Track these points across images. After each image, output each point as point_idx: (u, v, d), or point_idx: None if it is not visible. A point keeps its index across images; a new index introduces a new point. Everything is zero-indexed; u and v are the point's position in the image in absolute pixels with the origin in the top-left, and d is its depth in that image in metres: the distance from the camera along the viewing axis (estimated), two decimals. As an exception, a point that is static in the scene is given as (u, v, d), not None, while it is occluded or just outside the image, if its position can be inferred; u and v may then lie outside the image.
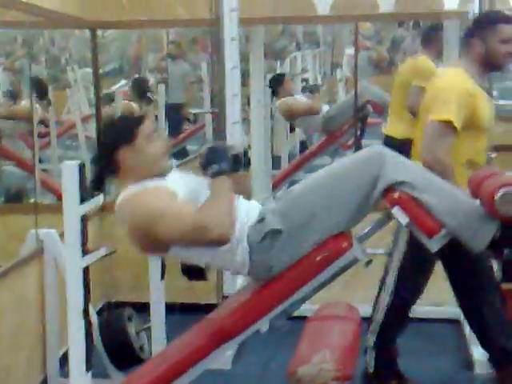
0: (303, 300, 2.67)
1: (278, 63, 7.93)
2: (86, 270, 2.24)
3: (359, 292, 4.43)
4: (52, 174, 5.55)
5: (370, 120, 5.91)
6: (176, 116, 6.60)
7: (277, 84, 6.22)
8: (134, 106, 6.18)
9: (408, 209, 2.46)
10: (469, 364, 3.78)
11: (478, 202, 2.53)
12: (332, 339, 3.04)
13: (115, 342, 3.19)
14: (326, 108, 6.17)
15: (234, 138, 3.98)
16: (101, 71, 4.90)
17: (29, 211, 3.55)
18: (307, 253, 2.49)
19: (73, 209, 2.16)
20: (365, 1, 4.44)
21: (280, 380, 2.81)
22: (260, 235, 2.48)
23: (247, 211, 2.53)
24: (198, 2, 4.26)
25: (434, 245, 2.54)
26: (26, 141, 5.33)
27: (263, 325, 2.57)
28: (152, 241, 2.39)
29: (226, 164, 2.43)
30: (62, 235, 3.44)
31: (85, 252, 2.22)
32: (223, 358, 3.76)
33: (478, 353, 3.73)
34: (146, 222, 2.33)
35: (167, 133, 6.11)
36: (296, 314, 3.22)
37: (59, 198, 4.88)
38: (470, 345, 3.84)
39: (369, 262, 2.60)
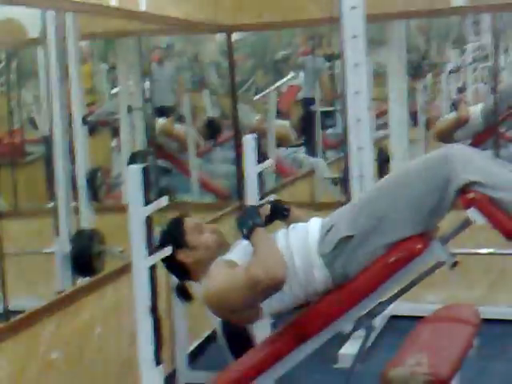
0: (388, 302, 2.65)
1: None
2: (152, 269, 2.36)
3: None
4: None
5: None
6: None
7: None
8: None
9: (484, 209, 2.35)
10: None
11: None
12: (436, 342, 2.98)
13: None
14: (477, 109, 5.89)
15: (359, 137, 3.97)
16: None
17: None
18: (380, 255, 2.45)
19: (137, 210, 2.29)
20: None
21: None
22: (331, 244, 2.48)
23: (305, 231, 2.55)
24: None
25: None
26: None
27: (345, 326, 2.57)
28: (239, 313, 2.48)
29: (256, 219, 2.52)
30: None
31: (151, 251, 2.34)
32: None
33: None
34: (220, 304, 2.45)
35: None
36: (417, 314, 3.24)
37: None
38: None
39: (454, 264, 2.51)
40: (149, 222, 2.33)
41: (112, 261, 3.57)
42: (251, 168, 3.09)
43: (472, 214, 2.37)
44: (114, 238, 3.84)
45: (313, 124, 6.06)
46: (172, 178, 5.75)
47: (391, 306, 4.14)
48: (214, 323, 3.60)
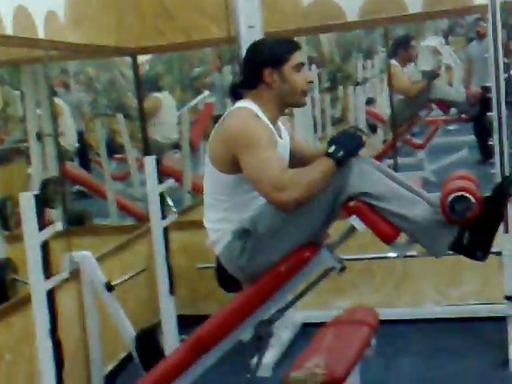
0: (285, 308, 2.78)
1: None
2: (51, 292, 2.43)
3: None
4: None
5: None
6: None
7: (400, 46, 6.01)
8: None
9: (364, 216, 2.50)
10: (505, 362, 3.73)
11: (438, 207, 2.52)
12: (335, 344, 3.11)
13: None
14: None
15: None
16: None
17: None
18: (275, 262, 2.57)
19: (32, 236, 2.36)
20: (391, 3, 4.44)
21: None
22: (239, 230, 2.60)
23: None
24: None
25: (397, 251, 2.58)
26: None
27: (242, 334, 2.67)
28: (228, 162, 2.52)
29: (344, 153, 2.48)
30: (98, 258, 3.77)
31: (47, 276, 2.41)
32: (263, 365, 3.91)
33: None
34: (240, 142, 2.47)
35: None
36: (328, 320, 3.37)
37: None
38: (510, 343, 3.79)
39: (342, 269, 2.65)
40: (44, 247, 2.39)
41: (25, 289, 3.60)
42: (153, 188, 3.18)
43: (353, 221, 2.51)
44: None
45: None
46: (92, 202, 5.81)
47: (302, 314, 4.42)
48: (129, 344, 3.68)
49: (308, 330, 4.31)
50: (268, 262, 2.57)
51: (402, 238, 2.59)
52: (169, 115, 6.27)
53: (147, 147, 4.80)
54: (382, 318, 4.40)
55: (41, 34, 3.69)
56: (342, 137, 2.53)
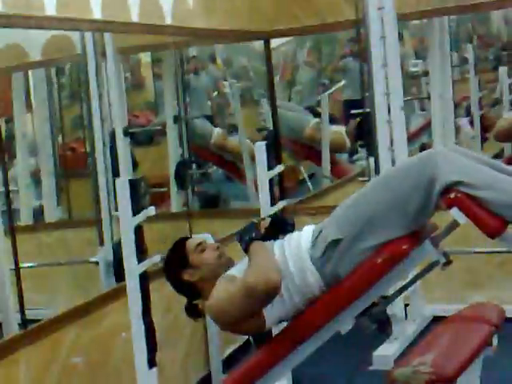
0: (388, 302, 2.68)
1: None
2: (143, 276, 2.47)
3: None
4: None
5: None
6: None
7: None
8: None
9: (466, 208, 2.34)
10: None
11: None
12: (449, 342, 2.97)
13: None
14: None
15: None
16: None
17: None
18: (369, 256, 2.48)
19: (127, 220, 2.41)
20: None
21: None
22: (321, 249, 2.53)
23: (298, 239, 2.62)
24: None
25: (509, 244, 2.41)
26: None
27: (342, 326, 2.61)
28: (241, 324, 2.56)
29: (253, 233, 2.62)
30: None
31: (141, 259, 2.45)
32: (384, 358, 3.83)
33: None
34: (221, 315, 2.55)
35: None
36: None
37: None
38: None
39: (446, 263, 2.52)
40: (138, 230, 2.44)
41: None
42: (263, 174, 3.16)
43: (454, 213, 2.37)
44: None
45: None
46: (233, 186, 5.91)
47: (433, 307, 4.26)
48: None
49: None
50: (364, 258, 2.49)
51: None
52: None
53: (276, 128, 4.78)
54: None
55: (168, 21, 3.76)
56: (241, 233, 2.66)
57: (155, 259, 2.48)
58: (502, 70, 5.64)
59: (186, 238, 2.77)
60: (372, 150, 4.13)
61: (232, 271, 2.64)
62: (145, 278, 2.46)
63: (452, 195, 2.36)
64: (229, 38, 4.57)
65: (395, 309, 3.96)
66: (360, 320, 2.61)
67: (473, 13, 5.27)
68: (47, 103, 5.11)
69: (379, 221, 2.45)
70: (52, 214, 4.98)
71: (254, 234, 2.62)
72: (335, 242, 2.51)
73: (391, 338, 4.02)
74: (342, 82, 6.39)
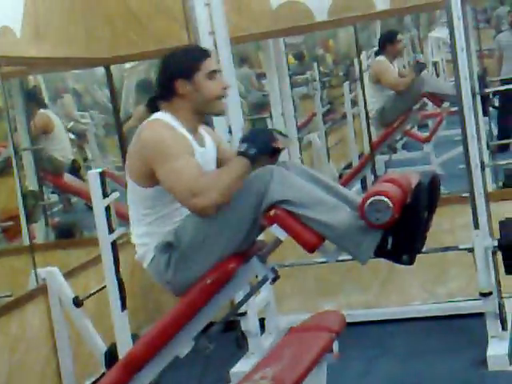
0: (224, 320, 2.71)
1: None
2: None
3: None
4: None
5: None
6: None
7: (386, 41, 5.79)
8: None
9: (285, 225, 2.41)
10: (483, 361, 3.62)
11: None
12: (290, 352, 3.03)
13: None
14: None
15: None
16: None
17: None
18: (202, 275, 2.50)
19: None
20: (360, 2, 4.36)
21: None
22: (162, 244, 2.55)
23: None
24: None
25: (327, 257, 2.50)
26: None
27: (178, 350, 2.62)
28: (143, 171, 2.49)
29: (255, 150, 2.44)
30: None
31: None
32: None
33: (493, 349, 3.60)
34: (154, 154, 2.44)
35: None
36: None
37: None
38: (488, 340, 3.68)
39: (275, 279, 2.59)
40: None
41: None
42: (98, 202, 3.14)
43: (275, 230, 2.44)
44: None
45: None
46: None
47: (287, 318, 4.34)
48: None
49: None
50: (195, 275, 2.51)
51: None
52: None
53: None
54: (370, 318, 4.41)
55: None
56: (253, 134, 2.50)
57: (122, 230, 2.48)
58: (346, 85, 5.85)
59: (208, 55, 2.60)
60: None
61: (203, 147, 2.59)
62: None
63: (272, 212, 2.42)
64: (66, 65, 4.52)
65: (249, 324, 4.00)
66: (198, 341, 2.63)
67: (304, 33, 5.40)
68: None
69: (212, 240, 2.48)
70: None
71: (253, 151, 2.43)
72: (170, 245, 2.52)
73: (248, 353, 4.07)
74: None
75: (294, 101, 5.21)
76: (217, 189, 2.40)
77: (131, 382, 2.57)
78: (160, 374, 2.67)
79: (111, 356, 3.56)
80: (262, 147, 2.45)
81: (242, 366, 3.97)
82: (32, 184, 4.72)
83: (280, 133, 2.55)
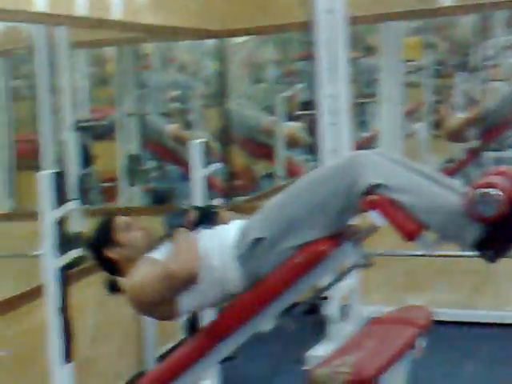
0: (308, 302, 2.69)
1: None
2: (63, 269, 2.48)
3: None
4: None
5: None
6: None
7: None
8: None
9: (384, 211, 2.36)
10: None
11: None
12: (373, 343, 3.00)
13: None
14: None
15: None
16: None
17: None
18: (290, 256, 2.49)
19: (48, 214, 2.42)
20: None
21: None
22: (245, 246, 2.54)
23: (226, 233, 2.63)
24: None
25: (426, 248, 2.44)
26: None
27: (261, 325, 2.62)
28: (156, 308, 2.59)
29: (180, 220, 2.66)
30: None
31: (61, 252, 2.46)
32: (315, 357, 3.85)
33: None
34: (137, 297, 2.57)
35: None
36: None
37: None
38: None
39: (367, 265, 2.55)
40: (60, 224, 2.44)
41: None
42: (197, 172, 3.18)
43: (373, 215, 2.40)
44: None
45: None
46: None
47: (370, 308, 4.30)
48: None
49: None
50: (286, 258, 2.50)
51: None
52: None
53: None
54: (458, 319, 4.31)
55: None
56: (172, 215, 2.71)
57: (74, 253, 2.48)
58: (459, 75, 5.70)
59: (115, 216, 2.77)
60: (316, 151, 4.16)
61: (155, 254, 2.66)
62: (64, 272, 2.46)
63: (371, 197, 2.38)
64: (182, 35, 4.58)
65: (331, 309, 3.99)
66: (281, 319, 2.63)
67: (426, 18, 5.26)
68: (4, 93, 5.10)
69: (301, 222, 2.47)
70: (3, 205, 4.97)
71: (181, 221, 2.65)
72: (258, 241, 2.52)
73: (326, 338, 4.05)
74: (300, 86, 6.40)
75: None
76: (179, 257, 2.55)
77: (212, 351, 2.59)
78: (239, 348, 2.69)
79: (192, 324, 3.63)
80: (176, 220, 2.69)
81: (319, 350, 3.96)
82: (134, 149, 4.81)
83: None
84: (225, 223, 2.75)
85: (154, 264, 2.58)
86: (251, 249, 2.54)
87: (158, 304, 2.56)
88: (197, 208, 2.80)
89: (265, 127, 6.07)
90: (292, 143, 6.07)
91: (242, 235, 2.59)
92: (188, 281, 2.50)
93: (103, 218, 2.77)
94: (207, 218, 2.76)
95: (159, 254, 2.66)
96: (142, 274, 2.55)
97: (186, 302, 2.58)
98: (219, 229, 2.69)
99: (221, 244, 2.60)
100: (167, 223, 2.67)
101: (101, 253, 2.70)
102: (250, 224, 2.61)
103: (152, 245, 2.72)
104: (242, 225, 2.64)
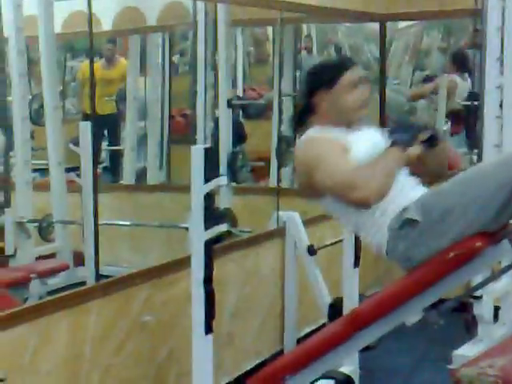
0: (458, 299, 2.58)
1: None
2: (209, 243, 2.48)
3: None
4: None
5: None
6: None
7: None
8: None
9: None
10: None
11: None
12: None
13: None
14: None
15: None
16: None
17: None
18: (444, 248, 2.39)
19: (198, 188, 2.43)
20: None
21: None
22: (398, 223, 2.45)
23: (412, 189, 2.51)
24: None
25: None
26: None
27: (406, 317, 2.54)
28: (310, 184, 2.51)
29: (406, 138, 2.46)
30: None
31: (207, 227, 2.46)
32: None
33: None
34: (310, 165, 2.48)
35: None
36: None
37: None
38: None
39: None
40: (208, 198, 2.46)
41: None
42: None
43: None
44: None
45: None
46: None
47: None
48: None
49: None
50: (436, 250, 2.39)
51: None
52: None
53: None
54: None
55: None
56: (401, 126, 2.55)
57: (222, 227, 2.48)
58: None
59: (350, 66, 2.61)
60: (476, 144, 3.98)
61: (355, 143, 2.51)
62: (210, 245, 2.47)
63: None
64: (344, 18, 4.52)
65: (483, 310, 3.82)
66: (428, 314, 2.54)
67: None
68: (160, 69, 5.25)
69: (459, 213, 2.35)
70: (154, 176, 5.13)
71: (404, 139, 2.46)
72: (412, 222, 2.42)
73: (476, 338, 3.89)
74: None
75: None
76: (374, 180, 2.36)
77: (353, 338, 2.53)
78: (380, 339, 2.61)
79: (335, 309, 3.58)
80: (408, 138, 2.45)
81: (467, 350, 3.79)
82: (286, 130, 4.81)
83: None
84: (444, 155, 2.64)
85: (344, 156, 2.45)
86: (402, 227, 2.44)
87: (318, 190, 2.49)
88: (427, 130, 2.58)
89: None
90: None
91: (404, 208, 2.46)
92: (361, 203, 2.39)
93: (334, 60, 2.68)
94: (432, 142, 2.57)
95: (358, 148, 2.51)
96: (328, 154, 2.43)
97: (333, 206, 2.52)
98: (410, 179, 2.56)
99: (398, 197, 2.47)
100: (392, 132, 2.50)
101: (312, 87, 2.59)
102: (415, 201, 2.46)
103: (360, 117, 2.60)
104: (416, 198, 2.49)
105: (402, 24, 5.33)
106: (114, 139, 5.71)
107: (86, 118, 4.69)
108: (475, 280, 3.05)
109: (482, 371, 2.60)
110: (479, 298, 3.72)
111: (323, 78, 2.60)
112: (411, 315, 2.52)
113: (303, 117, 2.68)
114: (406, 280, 2.49)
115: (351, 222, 2.57)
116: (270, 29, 5.50)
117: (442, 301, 2.50)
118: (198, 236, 2.45)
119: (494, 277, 2.58)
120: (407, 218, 2.42)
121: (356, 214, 2.49)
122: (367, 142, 2.55)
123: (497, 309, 3.99)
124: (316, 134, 2.56)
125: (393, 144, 2.46)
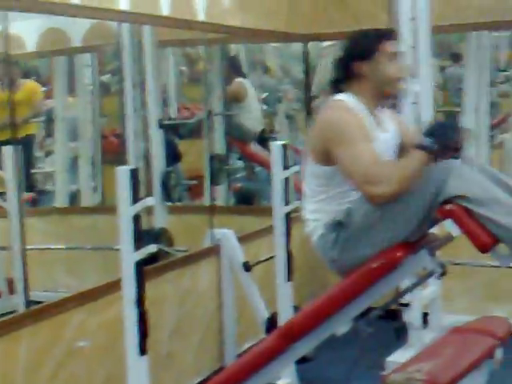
0: (384, 307, 2.68)
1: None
2: (139, 264, 2.52)
3: None
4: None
5: None
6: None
7: None
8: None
9: (460, 221, 2.34)
10: None
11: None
12: (450, 351, 2.96)
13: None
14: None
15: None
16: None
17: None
18: (367, 258, 2.49)
19: (125, 209, 2.46)
20: None
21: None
22: (335, 222, 2.55)
23: None
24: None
25: (500, 261, 2.39)
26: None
27: (335, 328, 2.62)
28: (323, 150, 2.52)
29: (439, 146, 2.37)
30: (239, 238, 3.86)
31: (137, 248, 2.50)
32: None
33: None
34: (333, 136, 2.48)
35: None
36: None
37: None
38: None
39: (442, 274, 2.52)
40: (136, 219, 2.48)
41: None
42: (278, 174, 3.18)
43: (448, 224, 2.37)
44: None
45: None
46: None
47: (452, 317, 4.21)
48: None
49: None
50: (360, 257, 2.50)
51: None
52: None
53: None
54: None
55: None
56: (438, 129, 2.40)
57: (151, 248, 2.52)
58: None
59: (390, 37, 2.61)
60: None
61: (382, 132, 2.55)
62: (141, 266, 2.50)
63: (448, 207, 2.36)
64: (267, 38, 4.59)
65: (413, 316, 3.94)
66: (357, 323, 2.62)
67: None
68: (90, 89, 5.23)
69: (381, 227, 2.45)
70: (88, 198, 5.09)
71: (435, 146, 2.35)
72: (341, 225, 2.52)
73: (407, 345, 4.00)
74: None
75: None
76: (392, 181, 2.37)
77: (287, 351, 2.61)
78: (315, 350, 2.68)
79: (272, 324, 3.63)
80: (446, 143, 2.37)
81: (399, 357, 3.90)
82: (220, 148, 4.86)
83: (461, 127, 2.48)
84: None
85: (369, 143, 2.45)
86: (334, 228, 2.54)
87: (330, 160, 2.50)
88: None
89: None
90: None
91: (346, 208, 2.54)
92: (373, 198, 2.40)
93: (374, 29, 2.59)
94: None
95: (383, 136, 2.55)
96: (355, 140, 2.42)
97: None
98: None
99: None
100: (429, 133, 2.38)
101: (349, 60, 2.58)
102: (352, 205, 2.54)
103: (398, 88, 2.61)
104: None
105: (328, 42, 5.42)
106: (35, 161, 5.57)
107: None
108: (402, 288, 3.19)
109: (410, 376, 2.68)
110: (408, 305, 3.84)
111: (364, 45, 2.59)
112: (341, 325, 2.61)
113: (339, 81, 2.66)
114: (333, 292, 2.59)
115: (319, 198, 2.59)
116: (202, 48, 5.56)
117: (370, 310, 2.60)
118: (127, 257, 2.47)
119: (417, 283, 2.67)
120: (337, 220, 2.52)
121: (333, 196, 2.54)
122: (385, 144, 2.58)
123: (425, 315, 4.12)
124: (347, 103, 2.55)
125: (422, 148, 2.37)
